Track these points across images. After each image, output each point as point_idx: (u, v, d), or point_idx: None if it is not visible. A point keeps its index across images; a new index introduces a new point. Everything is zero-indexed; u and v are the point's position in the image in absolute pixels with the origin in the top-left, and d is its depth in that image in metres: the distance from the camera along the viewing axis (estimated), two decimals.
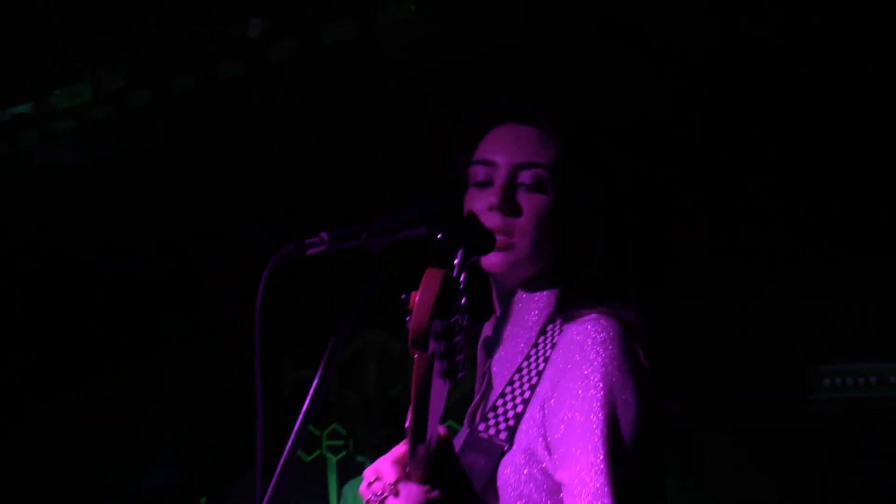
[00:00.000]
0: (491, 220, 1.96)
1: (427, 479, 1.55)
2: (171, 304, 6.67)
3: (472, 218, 1.91)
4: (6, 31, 4.87)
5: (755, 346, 4.35)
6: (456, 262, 1.71)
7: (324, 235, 1.90)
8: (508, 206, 1.98)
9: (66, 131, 5.36)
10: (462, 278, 1.61)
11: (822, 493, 3.43)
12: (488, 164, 2.03)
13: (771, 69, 4.35)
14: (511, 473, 1.86)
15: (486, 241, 1.89)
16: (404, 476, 1.57)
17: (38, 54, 5.04)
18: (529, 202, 1.99)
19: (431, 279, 1.49)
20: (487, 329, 2.13)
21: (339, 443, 6.04)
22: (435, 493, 1.55)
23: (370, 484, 1.64)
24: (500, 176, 2.00)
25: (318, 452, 6.09)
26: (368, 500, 1.64)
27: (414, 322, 1.46)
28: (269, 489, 1.91)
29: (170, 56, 4.82)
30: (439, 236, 1.84)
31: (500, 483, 1.87)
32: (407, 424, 1.52)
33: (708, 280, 4.46)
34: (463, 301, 1.51)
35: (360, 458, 5.19)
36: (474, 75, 4.26)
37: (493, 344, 2.07)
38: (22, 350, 6.92)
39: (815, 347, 4.08)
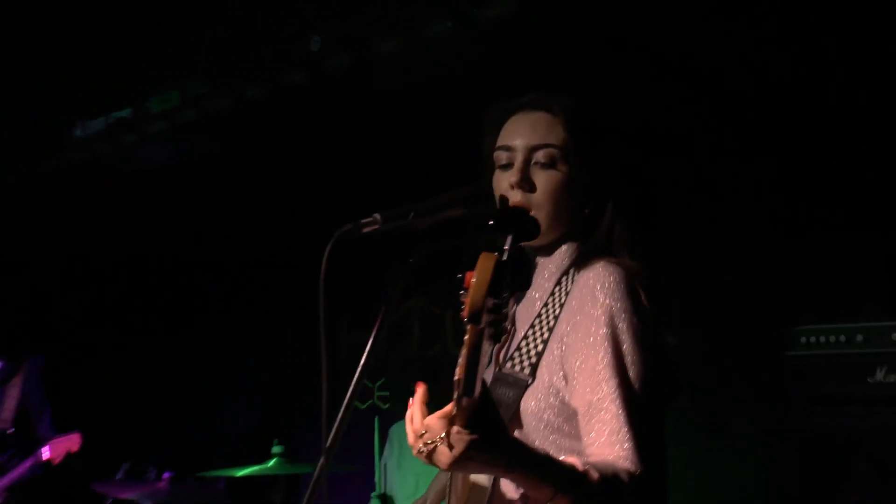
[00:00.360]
0: (513, 197, 1.94)
1: (469, 425, 1.51)
2: (253, 278, 6.67)
3: (522, 210, 1.89)
4: (108, 48, 4.88)
5: (741, 309, 4.33)
6: (506, 247, 1.68)
7: (377, 216, 1.91)
8: (526, 183, 1.95)
9: (159, 132, 5.36)
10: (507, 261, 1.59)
11: (799, 432, 3.39)
12: (508, 149, 2.00)
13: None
14: (534, 403, 1.85)
15: (532, 229, 1.87)
16: (450, 427, 1.53)
17: (135, 67, 5.04)
18: (543, 179, 1.96)
19: (486, 263, 1.50)
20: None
21: (387, 393, 6.05)
22: (475, 436, 1.52)
23: (420, 436, 1.62)
24: (518, 158, 1.98)
25: (370, 402, 6.09)
26: (420, 450, 1.61)
27: (471, 300, 1.48)
28: (332, 432, 1.91)
29: (245, 67, 4.82)
30: (491, 223, 1.82)
31: (523, 412, 1.85)
32: (456, 378, 1.49)
33: (695, 248, 4.41)
34: (509, 280, 1.52)
35: (403, 407, 5.17)
36: (501, 83, 4.22)
37: (518, 297, 2.05)
38: (130, 310, 6.95)
39: (793, 311, 4.03)
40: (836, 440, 3.21)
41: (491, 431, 1.55)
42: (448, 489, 2.10)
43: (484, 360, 1.53)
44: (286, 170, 5.74)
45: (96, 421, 4.92)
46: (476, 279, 1.49)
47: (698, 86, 4.35)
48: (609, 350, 1.77)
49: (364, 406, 6.02)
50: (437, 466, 1.60)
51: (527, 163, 1.97)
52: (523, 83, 2.19)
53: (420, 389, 1.71)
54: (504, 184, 1.97)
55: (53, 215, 6.53)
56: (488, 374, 2.02)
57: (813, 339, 3.35)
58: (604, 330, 1.79)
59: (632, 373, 1.77)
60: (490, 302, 1.47)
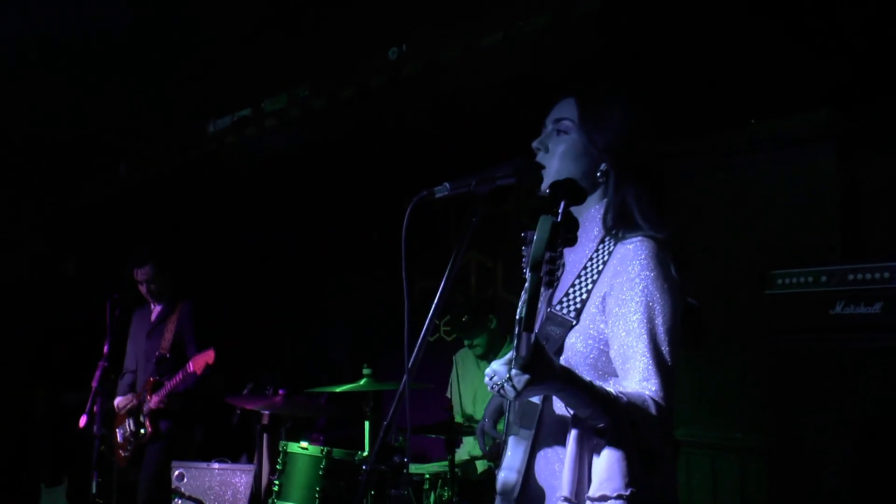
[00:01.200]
0: (539, 157, 1.94)
1: (525, 367, 1.51)
2: (349, 239, 6.65)
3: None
4: (231, 60, 4.86)
5: (726, 256, 4.18)
6: (560, 210, 1.60)
7: (446, 184, 1.89)
8: (541, 145, 1.94)
9: (272, 127, 5.35)
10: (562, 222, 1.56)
11: (776, 358, 3.31)
12: (544, 125, 1.98)
13: None
14: (577, 341, 1.79)
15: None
16: (511, 369, 1.53)
17: (251, 75, 5.03)
18: (554, 142, 1.93)
19: (544, 223, 1.50)
20: None
21: (449, 328, 6.00)
22: (529, 376, 1.52)
23: (491, 378, 1.64)
24: (545, 130, 1.97)
25: (437, 335, 6.05)
26: (491, 388, 1.63)
27: (533, 253, 1.48)
28: (412, 357, 1.88)
29: (337, 73, 4.78)
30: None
31: (567, 347, 1.80)
32: (518, 317, 1.51)
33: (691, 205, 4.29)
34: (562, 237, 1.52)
35: (465, 341, 5.13)
36: (546, 85, 4.11)
37: (565, 250, 1.94)
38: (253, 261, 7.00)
39: (770, 256, 3.93)
40: (804, 361, 3.18)
41: (542, 370, 1.53)
42: (506, 407, 2.03)
43: (541, 303, 1.49)
44: (371, 155, 5.71)
45: (230, 350, 4.95)
46: (537, 237, 1.48)
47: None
48: (643, 310, 1.72)
49: (433, 339, 6.00)
50: (507, 399, 1.65)
51: (549, 132, 1.95)
52: (562, 85, 2.12)
53: None
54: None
55: (195, 194, 6.59)
56: (540, 314, 1.97)
57: (787, 280, 3.31)
58: (639, 293, 1.74)
59: (660, 330, 1.72)
60: (548, 255, 1.46)
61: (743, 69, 4.01)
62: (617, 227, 1.84)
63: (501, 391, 1.59)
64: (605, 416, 1.64)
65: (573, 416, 1.72)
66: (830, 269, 3.18)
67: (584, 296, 1.81)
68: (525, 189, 1.96)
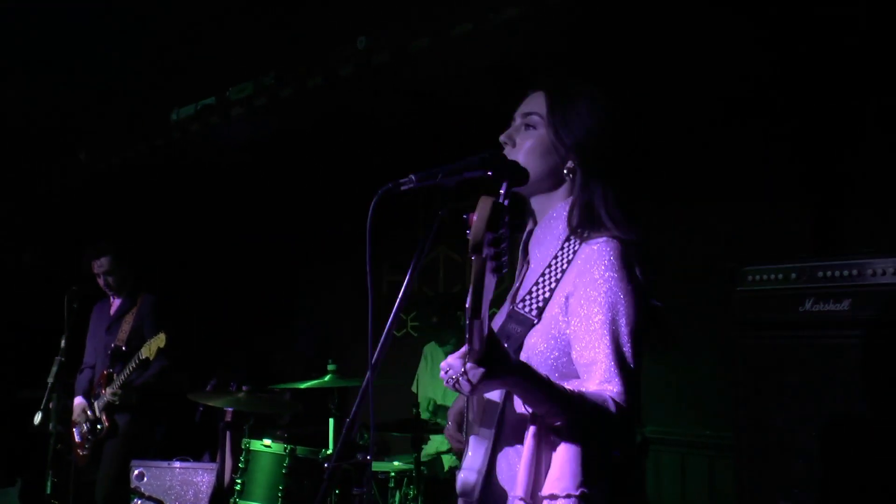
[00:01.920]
0: (506, 151, 1.92)
1: (479, 361, 1.50)
2: (313, 232, 6.62)
3: (514, 162, 1.81)
4: (195, 48, 4.81)
5: (699, 251, 4.25)
6: (502, 191, 1.59)
7: (412, 177, 1.83)
8: (508, 139, 1.93)
9: (237, 115, 5.30)
10: (506, 203, 1.49)
11: (745, 354, 3.34)
12: (513, 119, 1.97)
13: None
14: (538, 340, 1.78)
15: (522, 176, 1.78)
16: (466, 363, 1.53)
17: (216, 63, 4.98)
18: (521, 137, 1.92)
19: (484, 203, 1.45)
20: (526, 237, 2.01)
21: (417, 323, 5.99)
22: (482, 370, 1.52)
23: (447, 371, 1.61)
24: (514, 123, 1.95)
25: (404, 331, 6.04)
26: (446, 382, 1.61)
27: (473, 234, 1.43)
28: (376, 352, 1.86)
29: (305, 62, 4.75)
30: (489, 174, 1.75)
31: (526, 346, 1.79)
32: (467, 305, 1.46)
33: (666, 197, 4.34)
34: (506, 219, 1.46)
35: (430, 332, 5.15)
36: (519, 76, 4.11)
37: (530, 247, 1.96)
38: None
39: (740, 252, 4.01)
40: (774, 358, 3.20)
41: (496, 363, 1.53)
42: (465, 407, 2.03)
43: (489, 292, 1.47)
44: (340, 146, 5.68)
45: (193, 345, 4.91)
46: (476, 217, 1.43)
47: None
48: (606, 311, 1.71)
49: (399, 334, 5.98)
50: (462, 393, 1.60)
51: (517, 126, 1.93)
52: (533, 75, 2.11)
53: None
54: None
55: (159, 184, 6.51)
56: (502, 312, 1.96)
57: (757, 276, 3.32)
58: (603, 294, 1.72)
59: (623, 331, 1.71)
60: (489, 236, 1.42)
61: (711, 54, 4.05)
62: (582, 226, 1.83)
63: (457, 385, 1.57)
64: (562, 414, 1.63)
65: (531, 413, 1.70)
66: (800, 266, 3.20)
67: (547, 294, 1.80)
68: (494, 182, 1.94)
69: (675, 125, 4.35)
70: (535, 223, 1.96)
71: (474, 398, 1.91)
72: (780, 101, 4.02)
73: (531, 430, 1.71)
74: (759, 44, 3.91)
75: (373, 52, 4.40)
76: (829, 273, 3.08)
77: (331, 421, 4.23)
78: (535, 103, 1.92)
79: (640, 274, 1.77)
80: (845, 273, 3.03)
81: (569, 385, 1.69)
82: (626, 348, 1.70)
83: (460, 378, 1.54)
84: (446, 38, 4.13)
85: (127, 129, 6.10)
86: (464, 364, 1.52)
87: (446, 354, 5.02)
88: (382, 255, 5.66)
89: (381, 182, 1.85)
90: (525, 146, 1.90)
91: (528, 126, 1.91)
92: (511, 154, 1.90)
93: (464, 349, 1.54)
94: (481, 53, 4.23)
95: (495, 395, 1.82)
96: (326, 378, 4.21)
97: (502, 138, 1.94)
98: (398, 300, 1.91)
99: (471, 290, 1.43)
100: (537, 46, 4.14)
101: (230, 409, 4.52)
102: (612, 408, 1.64)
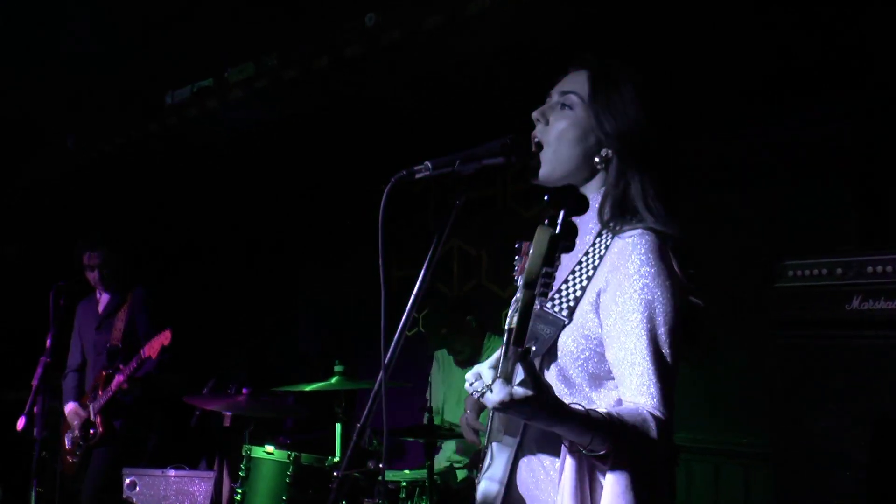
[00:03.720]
0: (536, 130, 1.91)
1: (513, 379, 1.50)
2: (318, 224, 6.63)
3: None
4: (194, 26, 4.82)
5: (737, 246, 4.23)
6: (559, 220, 1.57)
7: (428, 164, 1.86)
8: (542, 117, 1.92)
9: (236, 99, 5.31)
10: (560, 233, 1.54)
11: (784, 356, 3.34)
12: (549, 96, 1.96)
13: None
14: (570, 341, 1.78)
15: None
16: (497, 377, 1.51)
17: (214, 41, 4.98)
18: (555, 116, 1.91)
19: (542, 236, 1.48)
20: None
21: (429, 341, 5.99)
22: (520, 391, 1.50)
23: (472, 384, 1.61)
24: (549, 101, 1.94)
25: (416, 329, 6.05)
26: (472, 394, 1.61)
27: (528, 269, 1.47)
28: (388, 355, 1.87)
29: (310, 41, 4.75)
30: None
31: (559, 347, 1.78)
32: (508, 327, 1.49)
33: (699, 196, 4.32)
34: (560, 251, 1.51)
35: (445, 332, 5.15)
36: (534, 55, 4.10)
37: None
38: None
39: (781, 245, 3.98)
40: (815, 360, 3.20)
41: (531, 396, 1.51)
42: (490, 411, 2.04)
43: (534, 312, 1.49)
44: (346, 132, 5.68)
45: (189, 344, 4.92)
46: (534, 251, 1.46)
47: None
48: (642, 309, 1.70)
49: (411, 333, 5.98)
50: (487, 406, 1.57)
51: (553, 104, 1.92)
52: (554, 55, 2.10)
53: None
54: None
55: (151, 172, 6.54)
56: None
57: (799, 272, 3.31)
58: (639, 290, 1.71)
59: (661, 331, 1.71)
60: (545, 271, 1.46)
61: (746, 43, 4.03)
62: (614, 219, 1.82)
63: (482, 398, 1.56)
64: (605, 444, 1.61)
65: (570, 442, 1.68)
66: (847, 261, 3.18)
67: (579, 293, 1.79)
68: (513, 170, 1.94)
69: (704, 101, 4.32)
70: None
71: None
72: (823, 78, 3.99)
73: (570, 460, 1.70)
74: (802, 26, 3.89)
75: (382, 30, 4.40)
76: (879, 268, 3.07)
77: (338, 426, 4.25)
78: (576, 82, 1.91)
79: (678, 269, 1.77)
80: None
81: (602, 393, 1.69)
82: (665, 349, 1.70)
83: (487, 392, 1.53)
84: (462, 16, 4.12)
85: (118, 113, 6.12)
86: (494, 376, 1.52)
87: (461, 364, 5.06)
88: (391, 250, 5.67)
89: (391, 171, 1.86)
90: (559, 126, 1.89)
91: (564, 105, 1.90)
92: (542, 133, 1.90)
93: (495, 357, 1.56)
94: (499, 33, 4.22)
95: None
96: (333, 380, 4.22)
97: (535, 115, 1.93)
98: (412, 298, 1.92)
99: (518, 319, 1.46)
100: (560, 21, 4.13)
101: (229, 413, 4.54)
102: (653, 426, 1.64)
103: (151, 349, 4.64)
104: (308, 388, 4.20)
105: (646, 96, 1.89)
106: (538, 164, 1.89)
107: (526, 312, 1.45)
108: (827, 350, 3.18)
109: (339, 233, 6.42)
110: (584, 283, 1.80)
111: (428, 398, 5.13)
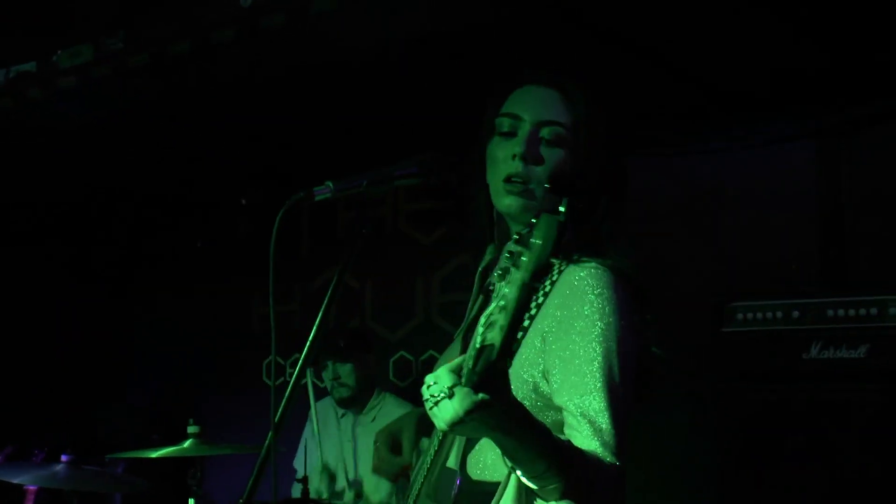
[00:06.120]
0: (513, 166, 2.01)
1: (478, 385, 1.51)
2: (163, 250, 6.58)
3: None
4: None
5: (680, 287, 4.41)
6: (564, 208, 1.57)
7: (329, 184, 1.98)
8: (531, 156, 2.01)
9: (68, 88, 5.23)
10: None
11: (734, 410, 3.50)
12: (515, 117, 2.05)
13: None
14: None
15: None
16: (459, 382, 1.55)
17: (42, 15, 4.91)
18: (548, 155, 2.01)
19: (549, 223, 1.50)
20: (487, 265, 2.17)
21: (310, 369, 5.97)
22: (482, 398, 1.53)
23: (429, 387, 1.62)
24: (525, 129, 2.03)
25: (303, 380, 6.01)
26: (426, 400, 1.63)
27: (538, 258, 1.47)
28: (280, 409, 1.93)
29: (167, 21, 4.73)
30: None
31: None
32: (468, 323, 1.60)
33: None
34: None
35: (324, 374, 5.16)
36: (446, 47, 4.21)
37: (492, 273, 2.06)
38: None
39: (729, 287, 4.14)
40: (770, 414, 3.32)
41: (500, 396, 1.55)
42: (413, 470, 2.11)
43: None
44: (207, 134, 5.66)
45: None
46: (543, 239, 1.48)
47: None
48: (599, 353, 1.84)
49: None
50: (437, 424, 1.60)
51: (533, 136, 2.02)
52: (458, 46, 2.20)
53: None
54: (504, 153, 2.03)
55: None
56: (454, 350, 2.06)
57: (750, 315, 3.44)
58: (595, 332, 1.85)
59: (618, 378, 1.84)
60: (549, 264, 1.49)
61: (705, 48, 4.24)
62: (573, 249, 1.96)
63: (435, 408, 1.59)
64: (560, 476, 1.67)
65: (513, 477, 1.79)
66: (804, 303, 3.33)
67: (520, 334, 1.84)
68: (408, 189, 2.04)
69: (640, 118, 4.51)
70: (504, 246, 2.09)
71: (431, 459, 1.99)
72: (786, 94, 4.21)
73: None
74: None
75: (262, 12, 4.43)
76: (841, 312, 3.21)
77: (191, 502, 4.23)
78: (555, 110, 2.05)
79: (634, 305, 1.93)
80: (862, 312, 3.16)
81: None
82: (622, 403, 1.84)
83: (445, 398, 1.56)
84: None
85: None
86: (455, 382, 1.55)
87: (336, 413, 5.06)
88: (253, 285, 5.59)
89: (257, 181, 1.93)
90: (552, 166, 2.02)
91: (550, 142, 2.03)
92: (532, 174, 2.00)
93: (458, 361, 1.58)
94: (402, 18, 4.31)
95: (452, 461, 1.90)
96: (186, 444, 4.21)
97: (519, 151, 2.01)
98: (308, 343, 1.99)
99: (511, 317, 1.46)
100: (474, 10, 4.26)
101: (32, 487, 4.42)
102: (610, 468, 1.77)
103: None
104: (156, 455, 4.17)
105: (601, 112, 2.07)
106: (520, 197, 2.00)
107: (520, 312, 1.46)
108: (782, 405, 3.31)
109: (187, 263, 6.37)
110: (526, 322, 1.85)
111: (297, 468, 5.07)
